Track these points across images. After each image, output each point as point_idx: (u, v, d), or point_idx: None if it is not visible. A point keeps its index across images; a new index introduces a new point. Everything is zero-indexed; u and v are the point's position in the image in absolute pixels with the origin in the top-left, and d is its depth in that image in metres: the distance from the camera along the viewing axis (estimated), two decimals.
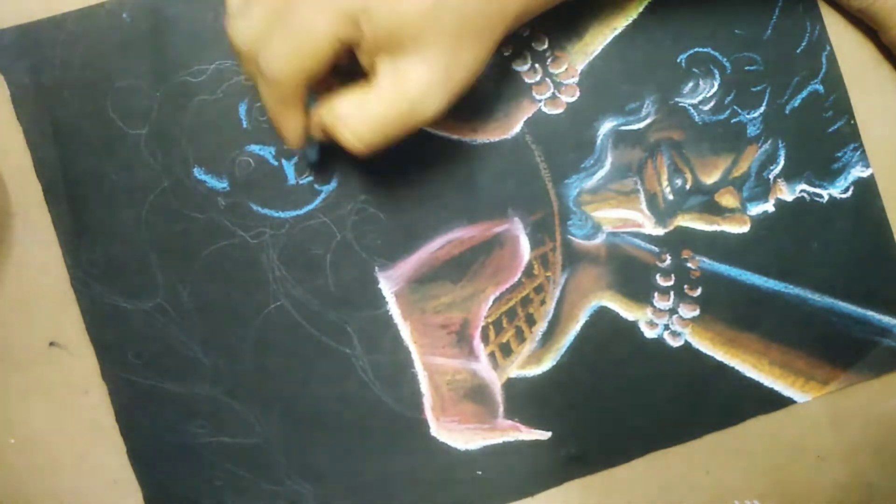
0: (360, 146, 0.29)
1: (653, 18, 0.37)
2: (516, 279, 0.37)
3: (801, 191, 0.37)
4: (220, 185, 0.36)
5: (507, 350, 0.37)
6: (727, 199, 0.37)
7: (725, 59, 0.37)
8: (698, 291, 0.37)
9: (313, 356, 0.36)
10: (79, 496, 0.36)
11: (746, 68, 0.37)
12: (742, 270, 0.37)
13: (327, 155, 0.35)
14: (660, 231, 0.37)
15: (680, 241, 0.37)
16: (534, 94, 0.37)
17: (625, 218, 0.37)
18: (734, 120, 0.37)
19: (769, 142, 0.37)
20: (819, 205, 0.37)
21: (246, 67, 0.29)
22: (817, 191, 0.37)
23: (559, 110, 0.37)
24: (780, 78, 0.37)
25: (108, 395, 0.36)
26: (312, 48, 0.27)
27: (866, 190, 0.38)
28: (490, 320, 0.37)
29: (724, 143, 0.37)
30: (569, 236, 0.37)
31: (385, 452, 0.36)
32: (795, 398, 0.37)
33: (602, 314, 0.37)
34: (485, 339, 0.37)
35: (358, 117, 0.28)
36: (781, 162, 0.37)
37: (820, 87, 0.37)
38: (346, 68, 0.29)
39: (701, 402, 0.37)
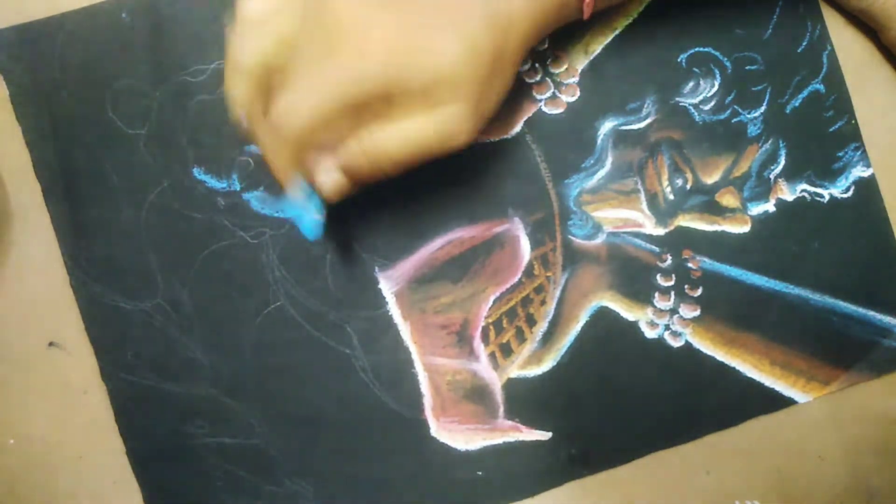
0: (392, 168, 0.29)
1: (653, 18, 0.37)
2: (516, 279, 0.37)
3: (802, 191, 0.37)
4: (220, 185, 0.36)
5: (507, 350, 0.37)
6: (728, 199, 0.37)
7: (726, 59, 0.37)
8: (699, 291, 0.37)
9: (313, 356, 0.36)
10: (78, 496, 0.36)
11: (747, 68, 0.37)
12: (743, 270, 0.37)
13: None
14: (660, 231, 0.37)
15: (680, 240, 0.37)
16: (534, 93, 0.37)
17: (625, 218, 0.37)
18: (735, 120, 0.37)
19: (770, 141, 0.37)
20: (820, 205, 0.37)
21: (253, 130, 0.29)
22: (818, 191, 0.37)
23: (559, 110, 0.37)
24: (781, 77, 0.37)
25: (108, 395, 0.36)
26: (333, 109, 0.27)
27: (867, 190, 0.37)
28: (490, 320, 0.37)
29: (725, 143, 0.37)
30: (569, 236, 0.37)
31: (385, 453, 0.36)
32: (796, 398, 0.37)
33: (602, 314, 0.37)
34: (485, 339, 0.37)
35: (393, 141, 0.28)
36: (782, 162, 0.37)
37: (821, 87, 0.37)
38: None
39: (701, 403, 0.37)
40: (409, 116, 0.28)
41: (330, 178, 0.30)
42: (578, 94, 0.37)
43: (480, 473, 0.37)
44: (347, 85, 0.27)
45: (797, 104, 0.37)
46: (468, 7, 0.27)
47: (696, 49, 0.37)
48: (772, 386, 0.37)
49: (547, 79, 0.37)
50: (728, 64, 0.37)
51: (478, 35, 0.27)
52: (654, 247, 0.37)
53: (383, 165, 0.29)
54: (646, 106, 0.37)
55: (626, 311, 0.37)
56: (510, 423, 0.37)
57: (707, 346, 0.37)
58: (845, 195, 0.37)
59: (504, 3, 0.28)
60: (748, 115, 0.37)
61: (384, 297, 0.36)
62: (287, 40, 0.28)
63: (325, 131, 0.28)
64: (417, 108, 0.28)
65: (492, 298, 0.37)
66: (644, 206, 0.37)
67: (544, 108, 0.37)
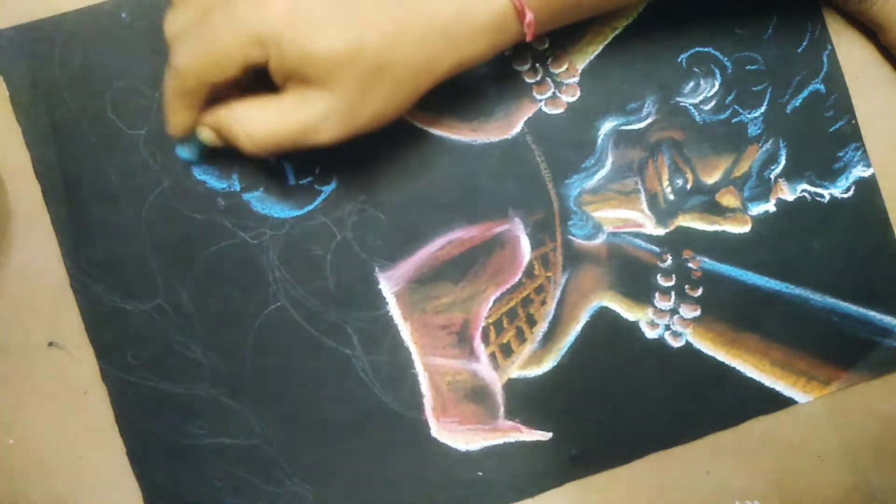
0: (250, 147, 0.30)
1: (653, 18, 0.37)
2: (517, 279, 0.37)
3: (803, 190, 0.37)
4: (220, 185, 0.36)
5: (507, 350, 0.37)
6: (728, 199, 0.37)
7: (726, 59, 0.37)
8: (699, 291, 0.37)
9: (313, 357, 0.36)
10: (78, 497, 0.36)
11: (747, 68, 0.37)
12: (743, 270, 0.37)
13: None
14: (661, 231, 0.37)
15: (681, 241, 0.37)
16: (534, 93, 0.37)
17: (625, 218, 0.37)
18: (735, 120, 0.37)
19: (770, 141, 0.37)
20: (820, 205, 0.37)
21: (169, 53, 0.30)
22: (818, 190, 0.37)
23: (560, 110, 0.37)
24: (781, 77, 0.37)
25: (108, 395, 0.36)
26: (219, 61, 0.28)
27: (867, 190, 0.37)
28: (490, 321, 0.37)
29: (725, 143, 0.37)
30: (569, 236, 0.37)
31: (385, 453, 0.36)
32: (797, 398, 0.37)
33: (603, 314, 0.37)
34: (485, 339, 0.37)
35: (254, 121, 0.29)
36: (782, 162, 0.37)
37: (821, 87, 0.37)
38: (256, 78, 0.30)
39: (702, 403, 0.37)
40: (281, 94, 0.29)
41: (205, 132, 0.31)
42: (579, 94, 0.37)
43: (481, 474, 0.37)
44: (240, 31, 0.27)
45: (797, 104, 0.37)
46: (379, 9, 0.28)
47: (696, 49, 0.37)
48: (772, 386, 0.37)
49: (547, 79, 0.37)
50: (728, 64, 0.37)
51: (368, 40, 0.27)
52: (654, 247, 0.37)
53: (244, 146, 0.30)
54: (646, 106, 0.37)
55: (627, 312, 0.37)
56: (510, 423, 0.37)
57: (707, 347, 0.37)
58: (845, 195, 0.37)
59: (422, 21, 0.28)
60: (748, 115, 0.37)
61: (384, 298, 0.36)
62: None
63: (216, 84, 0.29)
64: (291, 86, 0.29)
65: (492, 299, 0.37)
66: (644, 206, 0.37)
67: (544, 108, 0.37)
